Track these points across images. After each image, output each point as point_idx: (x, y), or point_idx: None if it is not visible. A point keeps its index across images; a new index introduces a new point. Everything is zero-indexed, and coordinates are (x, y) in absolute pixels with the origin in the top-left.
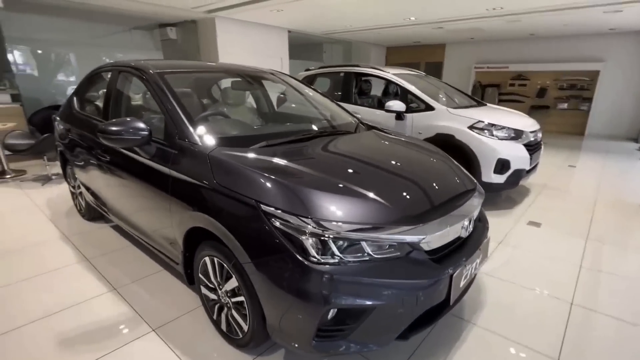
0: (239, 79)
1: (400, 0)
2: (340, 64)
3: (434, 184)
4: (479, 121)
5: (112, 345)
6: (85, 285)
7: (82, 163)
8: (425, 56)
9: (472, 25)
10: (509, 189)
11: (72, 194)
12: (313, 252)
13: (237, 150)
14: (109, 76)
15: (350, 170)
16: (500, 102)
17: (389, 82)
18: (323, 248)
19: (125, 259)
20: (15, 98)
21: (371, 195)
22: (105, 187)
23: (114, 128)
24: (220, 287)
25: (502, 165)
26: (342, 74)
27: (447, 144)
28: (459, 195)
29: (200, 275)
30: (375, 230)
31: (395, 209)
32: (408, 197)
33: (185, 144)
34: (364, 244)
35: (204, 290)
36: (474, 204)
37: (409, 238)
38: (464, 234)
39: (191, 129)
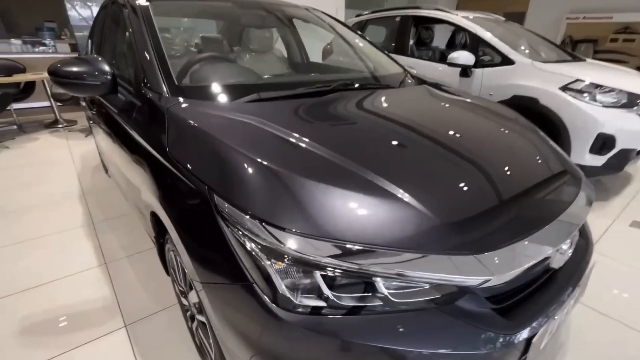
0: (255, 13)
1: None
2: (397, 7)
3: (513, 177)
4: (577, 80)
5: (75, 341)
6: (77, 255)
7: (89, 114)
8: (504, 5)
9: None
10: (605, 175)
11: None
12: (284, 289)
13: (210, 107)
14: (104, 12)
15: (372, 147)
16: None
17: (456, 30)
18: (305, 282)
19: (128, 226)
20: (74, 48)
21: (401, 194)
22: (100, 143)
23: (65, 69)
24: (186, 295)
25: (603, 142)
26: (397, 19)
27: (526, 110)
28: (555, 198)
29: (171, 270)
30: (398, 261)
31: (440, 222)
32: (465, 199)
33: (150, 94)
34: (379, 281)
35: (176, 289)
36: (579, 211)
37: (460, 279)
38: (558, 263)
39: (159, 72)
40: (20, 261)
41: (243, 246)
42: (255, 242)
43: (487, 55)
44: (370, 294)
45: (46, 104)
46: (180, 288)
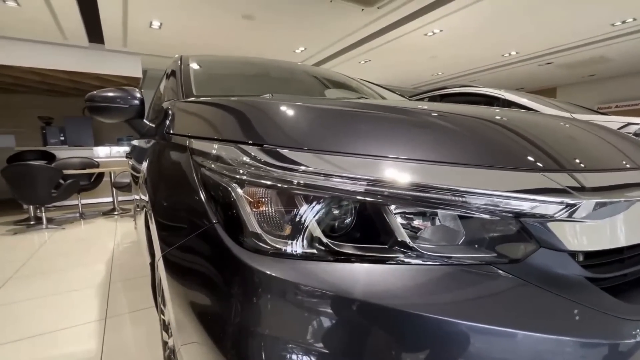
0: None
1: (500, 28)
2: (429, 90)
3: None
4: (629, 124)
5: None
6: (82, 310)
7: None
8: None
9: (592, 54)
10: None
11: None
12: (253, 224)
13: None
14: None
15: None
16: None
17: (488, 102)
18: (283, 216)
19: (142, 286)
20: None
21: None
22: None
23: (101, 94)
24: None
25: None
26: (426, 100)
27: None
28: None
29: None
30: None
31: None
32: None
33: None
34: (392, 218)
35: (159, 321)
36: None
37: (531, 205)
38: None
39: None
40: (36, 311)
41: (206, 181)
42: (221, 169)
43: None
44: (384, 237)
45: (110, 199)
46: (161, 314)
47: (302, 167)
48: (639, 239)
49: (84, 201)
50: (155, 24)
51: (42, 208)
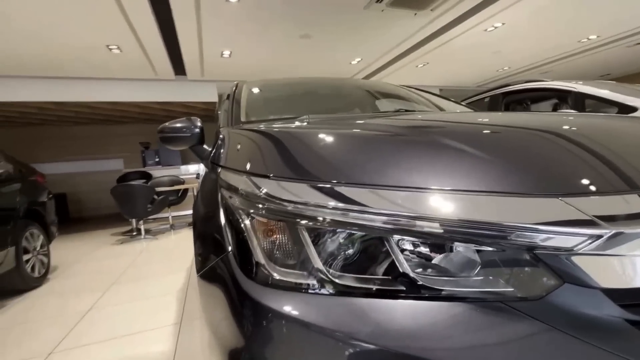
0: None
1: (572, 12)
2: (484, 90)
3: None
4: None
5: None
6: (162, 314)
7: None
8: None
9: None
10: None
11: None
12: (259, 255)
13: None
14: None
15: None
16: None
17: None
18: (286, 246)
19: None
20: None
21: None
22: None
23: (170, 125)
24: None
25: None
26: (487, 100)
27: None
28: None
29: None
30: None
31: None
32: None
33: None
34: (395, 249)
35: None
36: None
37: (559, 239)
38: None
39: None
40: (126, 313)
41: (226, 210)
42: (235, 200)
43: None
44: (384, 267)
45: None
46: None
47: (308, 200)
48: None
49: (173, 214)
50: (226, 53)
51: (142, 221)
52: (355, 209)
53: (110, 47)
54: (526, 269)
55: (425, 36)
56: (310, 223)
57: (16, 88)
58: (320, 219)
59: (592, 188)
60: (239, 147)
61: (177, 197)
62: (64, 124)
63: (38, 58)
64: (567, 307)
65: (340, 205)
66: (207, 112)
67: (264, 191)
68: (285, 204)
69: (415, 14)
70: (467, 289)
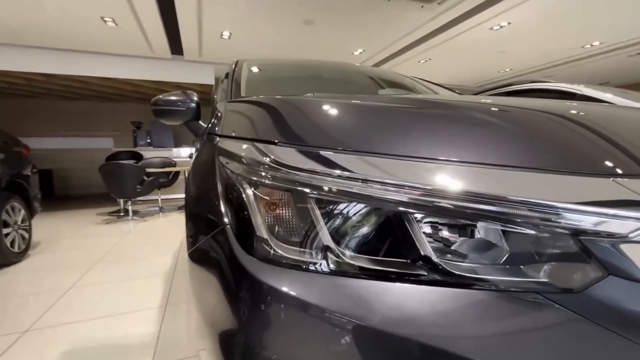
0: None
1: (578, 16)
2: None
3: None
4: None
5: None
6: (148, 295)
7: None
8: None
9: None
10: None
11: None
12: (261, 228)
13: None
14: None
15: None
16: None
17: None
18: (290, 218)
19: None
20: None
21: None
22: None
23: (164, 98)
24: None
25: None
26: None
27: None
28: None
29: None
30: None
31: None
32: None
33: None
34: (415, 228)
35: None
36: None
37: (596, 220)
38: None
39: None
40: (109, 294)
41: (224, 180)
42: (237, 168)
43: None
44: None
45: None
46: None
47: (319, 169)
48: None
49: (163, 196)
50: (226, 34)
51: (130, 201)
52: (375, 179)
53: (105, 19)
54: (568, 257)
55: (430, 30)
56: (322, 194)
57: (3, 56)
58: (333, 190)
59: None
60: (240, 115)
61: (168, 180)
62: (53, 98)
63: (28, 26)
64: (610, 302)
65: (357, 175)
66: (203, 94)
67: (270, 158)
68: (294, 172)
69: (422, 7)
70: (498, 278)
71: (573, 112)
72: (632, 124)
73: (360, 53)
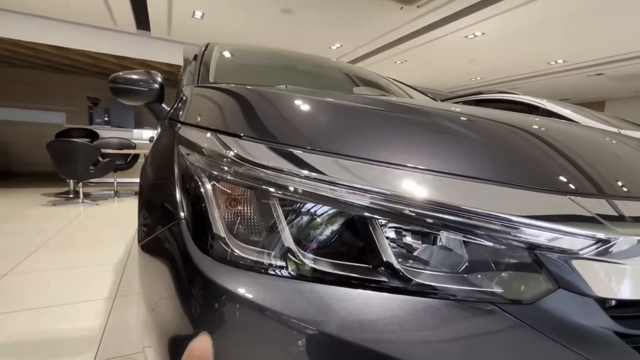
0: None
1: (546, 34)
2: (465, 94)
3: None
4: None
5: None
6: (94, 286)
7: None
8: None
9: None
10: None
11: None
12: (219, 226)
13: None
14: None
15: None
16: None
17: (527, 111)
18: (252, 216)
19: None
20: None
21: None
22: None
23: (124, 76)
24: None
25: None
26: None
27: None
28: None
29: None
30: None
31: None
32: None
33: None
34: (379, 233)
35: None
36: None
37: (550, 236)
38: None
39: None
40: (54, 282)
41: (183, 171)
42: (196, 159)
43: None
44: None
45: None
46: None
47: (285, 167)
48: None
49: (119, 180)
50: (198, 14)
51: (80, 183)
52: (341, 182)
53: None
54: (523, 268)
55: (408, 32)
56: (286, 194)
57: None
58: (299, 190)
59: (602, 190)
60: (206, 102)
61: (126, 163)
62: None
63: None
64: (560, 314)
65: (324, 177)
66: (170, 75)
67: (232, 152)
68: (258, 169)
69: (402, 8)
70: (455, 287)
71: (536, 127)
72: (591, 144)
73: (337, 48)
